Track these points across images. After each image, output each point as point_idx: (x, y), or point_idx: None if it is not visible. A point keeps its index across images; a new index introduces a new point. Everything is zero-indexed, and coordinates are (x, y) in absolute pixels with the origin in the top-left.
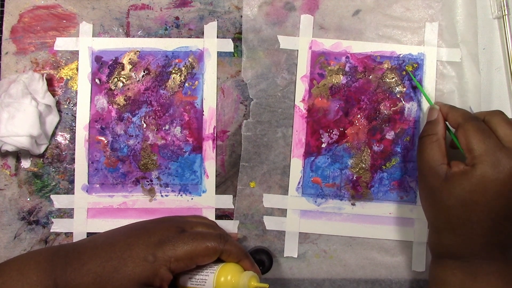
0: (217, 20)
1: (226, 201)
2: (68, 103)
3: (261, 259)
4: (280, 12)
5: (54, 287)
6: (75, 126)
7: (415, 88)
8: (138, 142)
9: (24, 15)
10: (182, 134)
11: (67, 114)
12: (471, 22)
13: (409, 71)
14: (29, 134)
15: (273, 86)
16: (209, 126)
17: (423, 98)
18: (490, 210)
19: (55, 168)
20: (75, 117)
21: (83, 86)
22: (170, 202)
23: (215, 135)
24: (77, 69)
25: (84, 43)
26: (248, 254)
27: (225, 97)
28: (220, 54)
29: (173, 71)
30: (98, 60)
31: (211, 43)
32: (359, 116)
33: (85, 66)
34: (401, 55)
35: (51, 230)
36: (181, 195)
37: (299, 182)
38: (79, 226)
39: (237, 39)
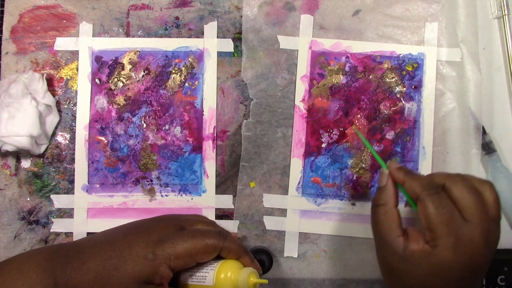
0: (217, 20)
1: (226, 201)
2: (68, 103)
3: (261, 259)
4: (280, 12)
5: (54, 286)
6: (75, 126)
7: (415, 88)
8: (138, 142)
9: (24, 15)
10: (182, 134)
11: (67, 114)
12: (471, 22)
13: (356, 130)
14: (29, 134)
15: (273, 86)
16: (209, 126)
17: (424, 96)
18: None
19: (55, 168)
20: (75, 117)
21: (83, 86)
22: (170, 202)
23: (215, 135)
24: (77, 69)
25: (84, 43)
26: (247, 250)
27: (225, 97)
28: (220, 54)
29: (173, 71)
30: (98, 60)
31: (211, 43)
32: (359, 116)
33: (85, 66)
34: (401, 55)
35: (51, 230)
36: (181, 195)
37: (299, 182)
38: (79, 226)
39: (237, 39)
